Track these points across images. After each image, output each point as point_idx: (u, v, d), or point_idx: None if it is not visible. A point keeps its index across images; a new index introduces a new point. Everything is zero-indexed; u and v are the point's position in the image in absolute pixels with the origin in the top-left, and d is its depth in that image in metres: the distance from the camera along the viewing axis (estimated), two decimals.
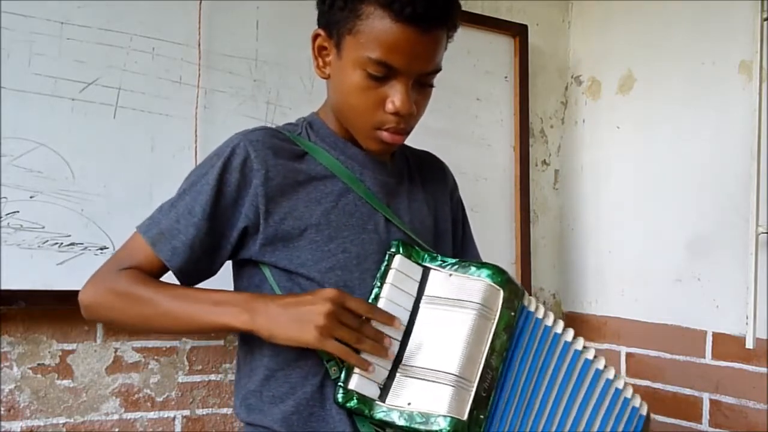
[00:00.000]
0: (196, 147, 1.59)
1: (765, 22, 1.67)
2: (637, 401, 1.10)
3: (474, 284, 0.98)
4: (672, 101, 1.93)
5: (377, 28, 0.93)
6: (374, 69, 0.95)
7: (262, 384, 1.01)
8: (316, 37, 1.03)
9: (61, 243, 1.46)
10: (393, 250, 1.01)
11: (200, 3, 1.60)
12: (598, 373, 1.07)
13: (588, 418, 1.06)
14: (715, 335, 1.80)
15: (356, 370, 0.94)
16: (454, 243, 1.20)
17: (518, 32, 2.06)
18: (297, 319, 0.92)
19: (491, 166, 2.02)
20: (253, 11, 1.67)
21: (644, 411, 1.11)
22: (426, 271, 1.01)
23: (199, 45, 1.60)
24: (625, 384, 1.10)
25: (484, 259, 1.09)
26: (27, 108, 1.44)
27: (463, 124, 1.98)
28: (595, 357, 1.08)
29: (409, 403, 0.93)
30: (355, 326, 0.93)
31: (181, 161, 1.57)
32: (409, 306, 0.98)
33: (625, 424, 1.09)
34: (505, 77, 2.07)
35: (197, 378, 1.66)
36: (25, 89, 1.44)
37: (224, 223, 1.00)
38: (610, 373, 1.09)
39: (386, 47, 0.94)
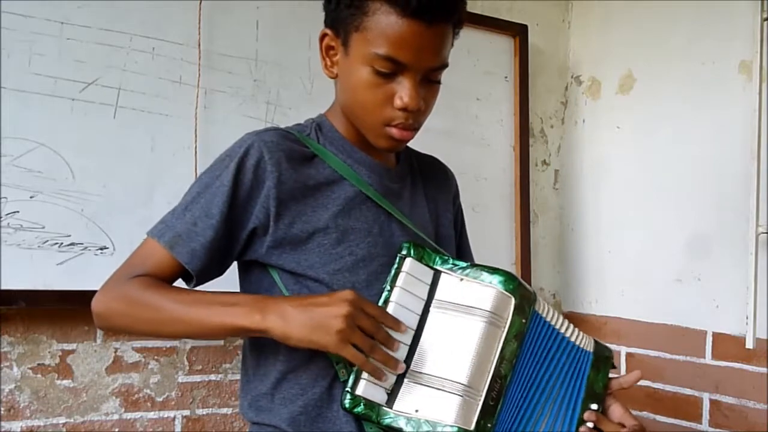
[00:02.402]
0: (196, 147, 1.59)
1: (765, 22, 1.67)
2: None
3: (485, 291, 0.97)
4: (672, 101, 1.92)
5: (383, 23, 0.94)
6: (381, 65, 0.95)
7: (274, 387, 1.01)
8: (323, 37, 1.03)
9: (61, 243, 1.46)
10: (404, 252, 0.99)
11: (200, 3, 1.60)
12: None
13: None
14: (715, 335, 1.80)
15: (364, 375, 0.93)
16: None
17: (518, 32, 2.06)
18: (314, 322, 0.90)
19: (491, 166, 2.02)
20: (253, 11, 1.67)
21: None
22: (437, 275, 1.00)
23: (199, 45, 1.60)
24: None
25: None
26: (27, 108, 1.44)
27: (463, 124, 1.98)
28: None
29: (416, 410, 0.93)
30: (372, 331, 0.92)
31: (181, 161, 1.57)
32: (419, 310, 0.98)
33: None
34: (505, 77, 2.07)
35: (197, 378, 1.66)
36: (25, 89, 1.44)
37: (237, 224, 0.99)
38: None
39: (393, 42, 0.94)
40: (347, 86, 1.01)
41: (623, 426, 1.05)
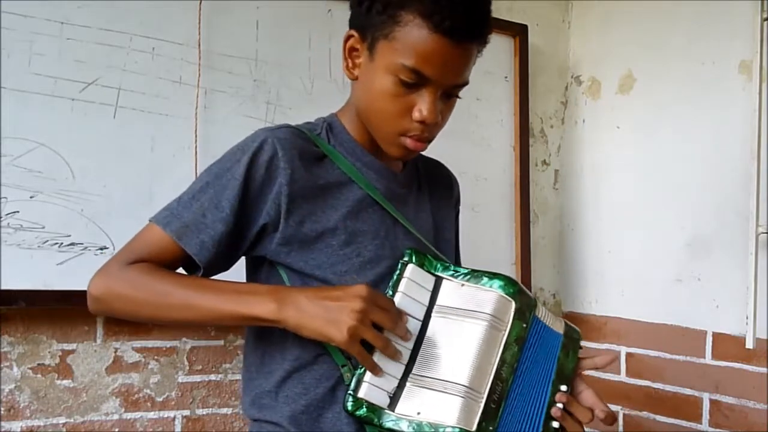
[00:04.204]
0: (196, 147, 1.59)
1: (765, 22, 1.67)
2: None
3: (486, 295, 0.98)
4: (672, 101, 1.93)
5: (414, 36, 0.94)
6: (406, 76, 0.96)
7: (278, 385, 1.02)
8: (348, 38, 1.03)
9: (61, 243, 1.46)
10: (406, 258, 1.00)
11: (200, 3, 1.60)
12: None
13: None
14: (715, 335, 1.80)
15: (366, 378, 0.93)
16: None
17: (518, 32, 2.06)
18: (327, 315, 0.91)
19: (491, 166, 2.02)
20: (253, 11, 1.68)
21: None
22: (438, 281, 1.00)
23: (199, 45, 1.60)
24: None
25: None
26: (27, 108, 1.44)
27: (463, 124, 1.98)
28: None
29: (418, 413, 0.93)
30: (389, 326, 0.93)
31: (181, 161, 1.57)
32: (421, 315, 0.98)
33: None
34: (505, 77, 2.07)
35: (197, 378, 1.66)
36: (25, 89, 1.44)
37: (246, 220, 0.99)
38: None
39: (421, 56, 0.95)
40: (367, 91, 1.01)
41: (593, 410, 1.04)
